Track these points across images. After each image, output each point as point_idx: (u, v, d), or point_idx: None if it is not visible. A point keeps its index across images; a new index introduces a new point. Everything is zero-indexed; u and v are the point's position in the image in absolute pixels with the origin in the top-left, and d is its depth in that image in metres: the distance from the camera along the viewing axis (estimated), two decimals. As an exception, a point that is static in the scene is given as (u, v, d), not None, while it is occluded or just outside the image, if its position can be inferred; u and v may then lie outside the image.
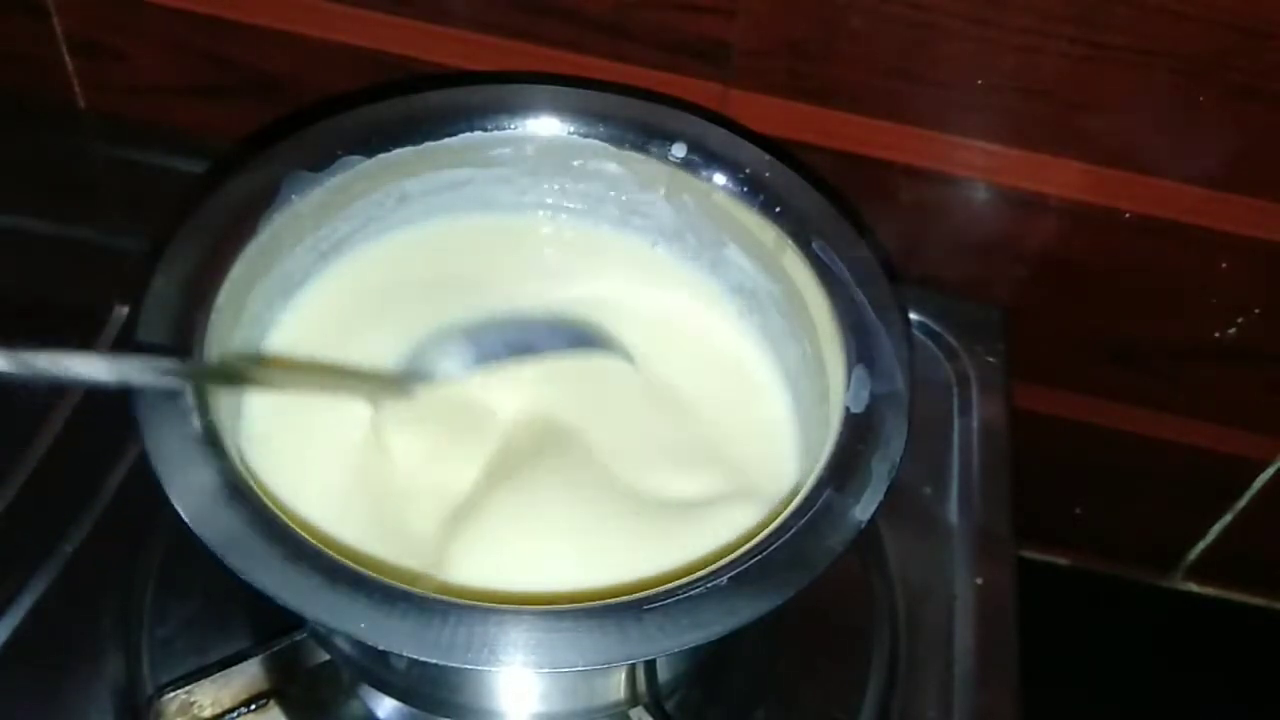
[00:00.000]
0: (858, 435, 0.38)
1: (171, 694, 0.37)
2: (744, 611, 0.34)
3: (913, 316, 0.58)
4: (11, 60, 0.61)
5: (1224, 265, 0.55)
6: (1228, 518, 0.66)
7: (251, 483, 0.35)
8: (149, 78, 0.61)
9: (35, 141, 0.62)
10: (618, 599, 0.34)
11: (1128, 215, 0.54)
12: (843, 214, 0.44)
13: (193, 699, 0.37)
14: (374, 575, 0.33)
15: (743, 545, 0.36)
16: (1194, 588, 0.71)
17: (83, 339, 0.51)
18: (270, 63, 0.58)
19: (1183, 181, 0.53)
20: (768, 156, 0.46)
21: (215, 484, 0.34)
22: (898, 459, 0.38)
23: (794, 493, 0.39)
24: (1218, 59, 0.48)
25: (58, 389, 0.48)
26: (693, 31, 0.52)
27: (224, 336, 0.39)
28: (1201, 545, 0.68)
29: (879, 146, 0.54)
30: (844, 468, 0.38)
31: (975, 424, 0.54)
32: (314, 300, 0.46)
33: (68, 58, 0.60)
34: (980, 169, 0.54)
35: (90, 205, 0.60)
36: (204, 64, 0.59)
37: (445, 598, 0.33)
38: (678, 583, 0.34)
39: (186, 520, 0.33)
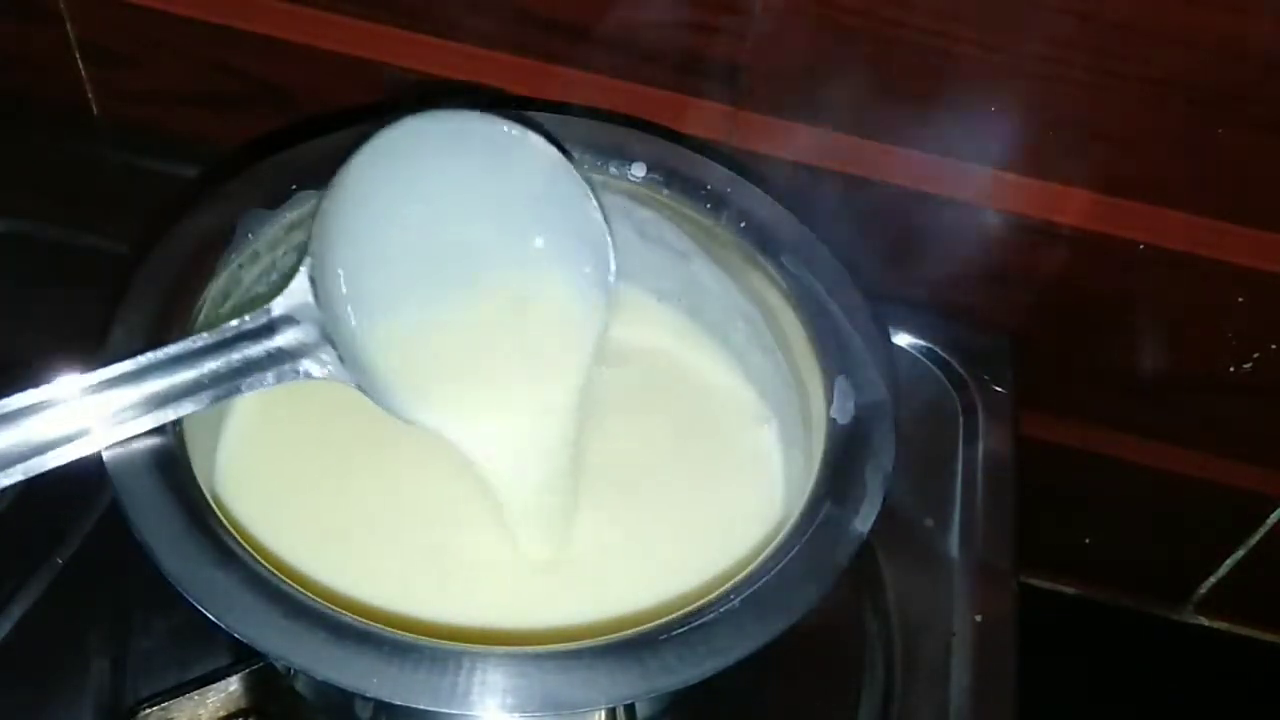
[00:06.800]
0: (847, 447, 0.39)
1: (147, 711, 0.36)
2: (759, 634, 0.34)
3: (920, 344, 0.57)
4: (26, 65, 0.62)
5: (1240, 299, 0.54)
6: (1240, 553, 0.65)
7: (224, 522, 0.35)
8: (161, 85, 0.61)
9: (48, 146, 0.62)
10: (632, 631, 0.34)
11: (1142, 246, 0.54)
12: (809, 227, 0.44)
13: (169, 716, 0.37)
14: (378, 628, 0.33)
15: (746, 568, 0.36)
16: (1204, 621, 0.70)
17: (91, 348, 0.51)
18: (281, 73, 0.58)
19: (1198, 214, 0.52)
20: (729, 172, 0.46)
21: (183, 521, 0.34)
22: (890, 468, 0.38)
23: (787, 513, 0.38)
24: (1236, 91, 0.48)
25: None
26: (703, 52, 0.52)
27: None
28: (1213, 579, 0.67)
29: (889, 171, 0.54)
30: (838, 481, 0.38)
31: (980, 455, 0.54)
32: None
33: (81, 64, 0.60)
34: (992, 196, 0.54)
35: (101, 211, 0.60)
36: (216, 73, 0.59)
37: (461, 645, 0.33)
38: (690, 609, 0.34)
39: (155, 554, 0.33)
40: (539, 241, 0.42)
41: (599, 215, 0.42)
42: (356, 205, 0.38)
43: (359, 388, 0.39)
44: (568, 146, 0.44)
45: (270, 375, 0.37)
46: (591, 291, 0.42)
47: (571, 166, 0.41)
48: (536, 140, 0.40)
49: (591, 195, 0.42)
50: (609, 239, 0.42)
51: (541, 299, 0.42)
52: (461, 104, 0.40)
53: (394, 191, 0.39)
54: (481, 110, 0.40)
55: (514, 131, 0.40)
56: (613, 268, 0.42)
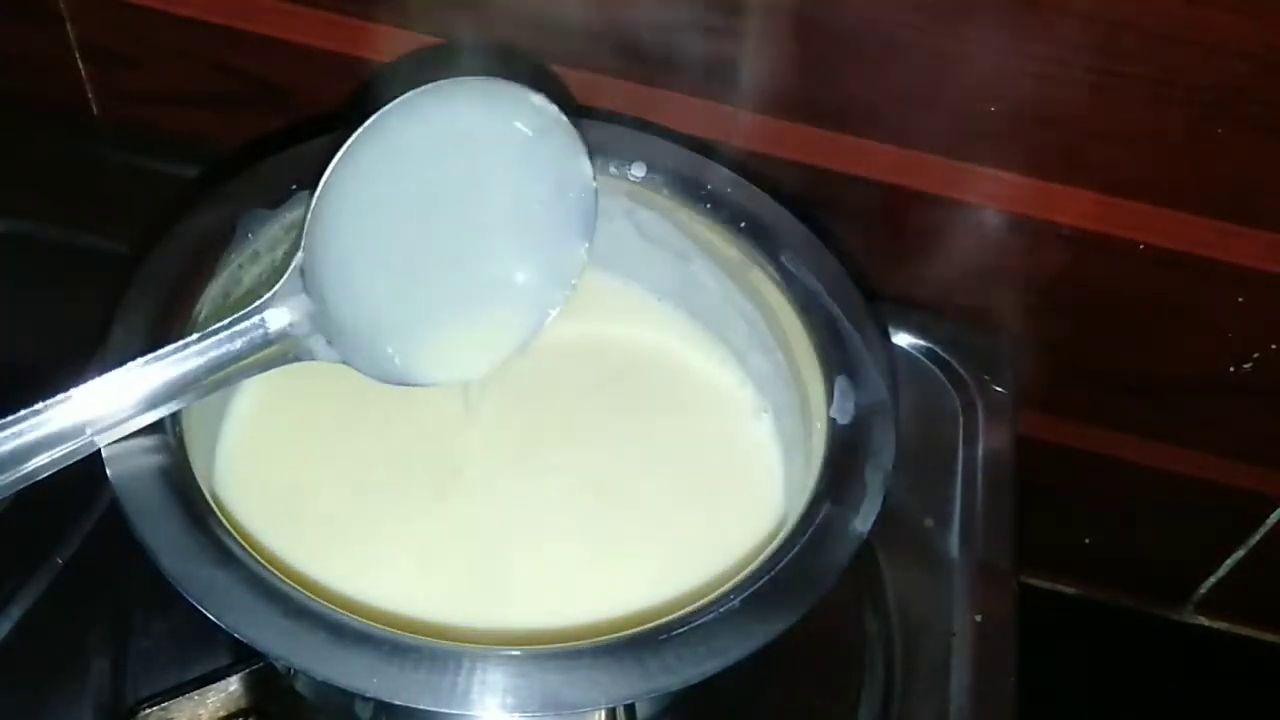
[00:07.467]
0: (847, 447, 0.39)
1: (147, 711, 0.37)
2: (759, 634, 0.34)
3: (920, 343, 0.57)
4: (26, 66, 0.62)
5: (1240, 299, 0.54)
6: (1240, 553, 0.65)
7: (224, 522, 0.35)
8: (161, 85, 0.61)
9: (48, 146, 0.62)
10: (632, 631, 0.34)
11: (1142, 246, 0.54)
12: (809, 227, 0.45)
13: (169, 716, 0.37)
14: (378, 628, 0.33)
15: (746, 568, 0.36)
16: (1204, 621, 0.70)
17: (91, 348, 0.51)
18: (281, 73, 0.58)
19: (1199, 214, 0.52)
20: (729, 172, 0.46)
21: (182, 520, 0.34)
22: (890, 468, 0.38)
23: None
24: (1235, 91, 0.48)
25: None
26: (702, 52, 0.52)
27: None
28: (1213, 579, 0.67)
29: (889, 171, 0.54)
30: (838, 481, 0.38)
31: (980, 455, 0.54)
32: None
33: (81, 64, 0.61)
34: (992, 196, 0.54)
35: (101, 211, 0.60)
36: (216, 73, 0.59)
37: (461, 645, 0.33)
38: (690, 609, 0.34)
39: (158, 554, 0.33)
40: (528, 204, 0.42)
41: (589, 171, 0.42)
42: (347, 197, 0.38)
43: (345, 362, 0.40)
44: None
45: (260, 365, 0.38)
46: (571, 243, 0.43)
47: (569, 122, 0.41)
48: (535, 97, 0.41)
49: (586, 154, 0.42)
50: (594, 188, 0.43)
51: (524, 261, 0.43)
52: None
53: (385, 175, 0.39)
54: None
55: (508, 88, 0.40)
56: (594, 222, 0.43)
